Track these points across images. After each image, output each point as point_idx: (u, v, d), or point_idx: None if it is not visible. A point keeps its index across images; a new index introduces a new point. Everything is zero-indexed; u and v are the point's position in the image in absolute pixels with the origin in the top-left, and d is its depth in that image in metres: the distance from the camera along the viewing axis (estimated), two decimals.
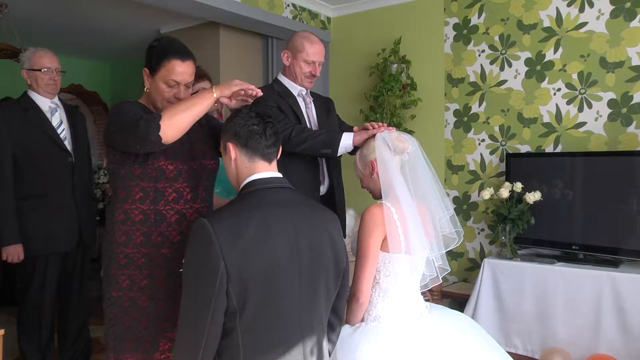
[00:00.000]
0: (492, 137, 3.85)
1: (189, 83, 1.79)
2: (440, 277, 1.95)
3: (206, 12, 3.72)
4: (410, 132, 3.88)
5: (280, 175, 1.52)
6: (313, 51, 2.38)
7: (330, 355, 1.63)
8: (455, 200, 4.01)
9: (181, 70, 1.74)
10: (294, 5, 4.26)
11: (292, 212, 1.44)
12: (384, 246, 1.83)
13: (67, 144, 2.84)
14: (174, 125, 1.59)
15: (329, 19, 4.65)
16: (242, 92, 1.71)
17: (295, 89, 2.45)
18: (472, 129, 3.93)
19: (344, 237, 3.59)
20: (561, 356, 2.95)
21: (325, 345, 1.56)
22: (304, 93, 2.48)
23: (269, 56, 4.65)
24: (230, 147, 1.50)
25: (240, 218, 1.36)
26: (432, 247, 1.90)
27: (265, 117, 1.50)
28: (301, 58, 2.38)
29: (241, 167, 1.50)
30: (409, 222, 1.81)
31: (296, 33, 2.45)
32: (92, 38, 5.17)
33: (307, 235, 1.44)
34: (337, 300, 1.59)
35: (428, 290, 2.07)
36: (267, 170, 1.49)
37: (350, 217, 3.74)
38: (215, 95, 1.67)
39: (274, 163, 1.52)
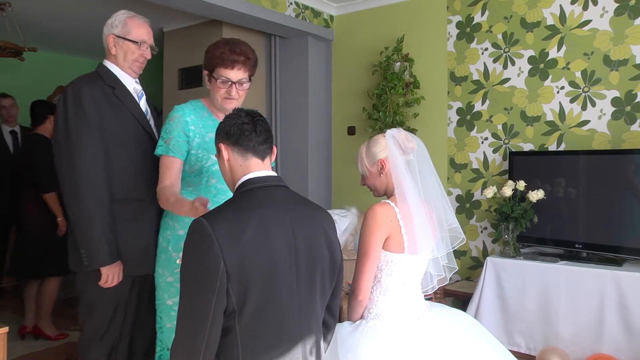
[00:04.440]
0: (495, 136, 3.84)
1: None
2: (448, 277, 1.95)
3: (209, 10, 3.72)
4: (413, 131, 3.89)
5: (274, 173, 1.52)
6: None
7: (325, 352, 1.63)
8: (458, 198, 4.01)
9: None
10: (296, 3, 4.26)
11: (288, 211, 1.44)
12: (386, 245, 1.83)
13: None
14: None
15: (331, 17, 4.65)
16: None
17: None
18: (475, 127, 3.93)
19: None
20: (558, 355, 2.94)
21: (323, 344, 1.56)
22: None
23: (271, 54, 4.66)
24: (222, 147, 1.51)
25: (238, 217, 1.36)
26: (438, 247, 1.90)
27: (255, 116, 1.51)
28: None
29: (235, 166, 1.50)
30: (416, 222, 1.81)
31: None
32: (96, 37, 5.17)
33: (304, 234, 1.44)
34: (332, 299, 1.59)
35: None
36: (262, 169, 1.49)
37: (353, 215, 3.75)
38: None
39: (267, 161, 1.53)
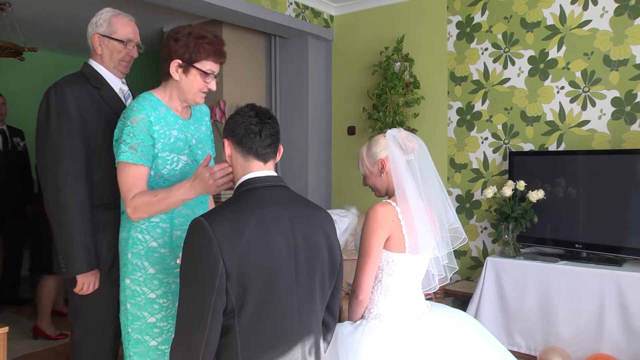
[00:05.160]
0: (495, 136, 3.84)
1: None
2: (449, 277, 1.96)
3: (209, 10, 3.72)
4: (413, 131, 3.89)
5: (275, 173, 1.51)
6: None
7: (324, 352, 1.63)
8: (458, 198, 4.01)
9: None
10: (296, 3, 4.26)
11: (288, 211, 1.44)
12: (387, 245, 1.83)
13: None
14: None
15: (331, 17, 4.65)
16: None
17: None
18: (475, 127, 3.93)
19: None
20: (559, 355, 2.94)
21: (322, 344, 1.56)
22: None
23: (271, 54, 4.66)
24: (226, 143, 1.51)
25: (238, 217, 1.35)
26: (439, 247, 1.90)
27: (264, 117, 1.48)
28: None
29: (236, 165, 1.50)
30: (417, 222, 1.82)
31: None
32: None
33: (304, 234, 1.44)
34: (332, 299, 1.59)
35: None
36: (262, 169, 1.49)
37: (353, 215, 3.75)
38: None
39: (270, 164, 1.52)
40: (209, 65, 1.81)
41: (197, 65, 1.79)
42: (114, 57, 2.09)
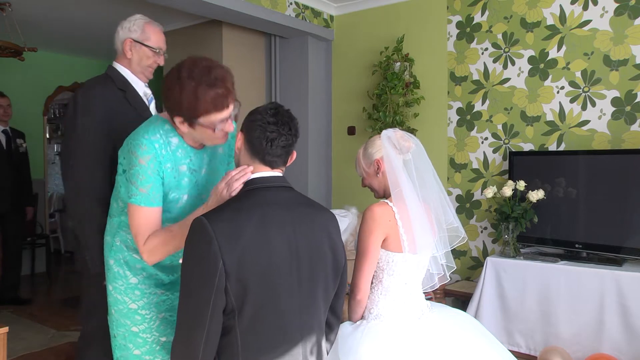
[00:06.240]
0: (495, 136, 3.84)
1: None
2: (448, 276, 1.96)
3: (209, 10, 3.72)
4: (413, 131, 3.90)
5: (280, 174, 1.50)
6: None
7: (327, 354, 1.62)
8: (458, 198, 4.01)
9: None
10: (296, 3, 4.26)
11: (291, 212, 1.43)
12: (385, 245, 1.83)
13: None
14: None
15: (331, 17, 4.65)
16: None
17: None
18: (475, 127, 3.93)
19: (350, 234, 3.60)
20: (560, 355, 2.94)
21: (324, 345, 1.55)
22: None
23: (271, 54, 4.67)
24: (239, 135, 1.49)
25: (239, 217, 1.35)
26: (437, 246, 1.90)
27: (282, 129, 1.43)
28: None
29: (244, 160, 1.49)
30: (414, 221, 1.81)
31: None
32: (96, 37, 5.18)
33: (306, 235, 1.43)
34: (335, 300, 1.58)
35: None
36: (268, 171, 1.47)
37: (353, 215, 3.75)
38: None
39: (277, 170, 1.49)
40: (215, 118, 1.57)
41: (200, 120, 1.58)
42: (142, 63, 2.13)
